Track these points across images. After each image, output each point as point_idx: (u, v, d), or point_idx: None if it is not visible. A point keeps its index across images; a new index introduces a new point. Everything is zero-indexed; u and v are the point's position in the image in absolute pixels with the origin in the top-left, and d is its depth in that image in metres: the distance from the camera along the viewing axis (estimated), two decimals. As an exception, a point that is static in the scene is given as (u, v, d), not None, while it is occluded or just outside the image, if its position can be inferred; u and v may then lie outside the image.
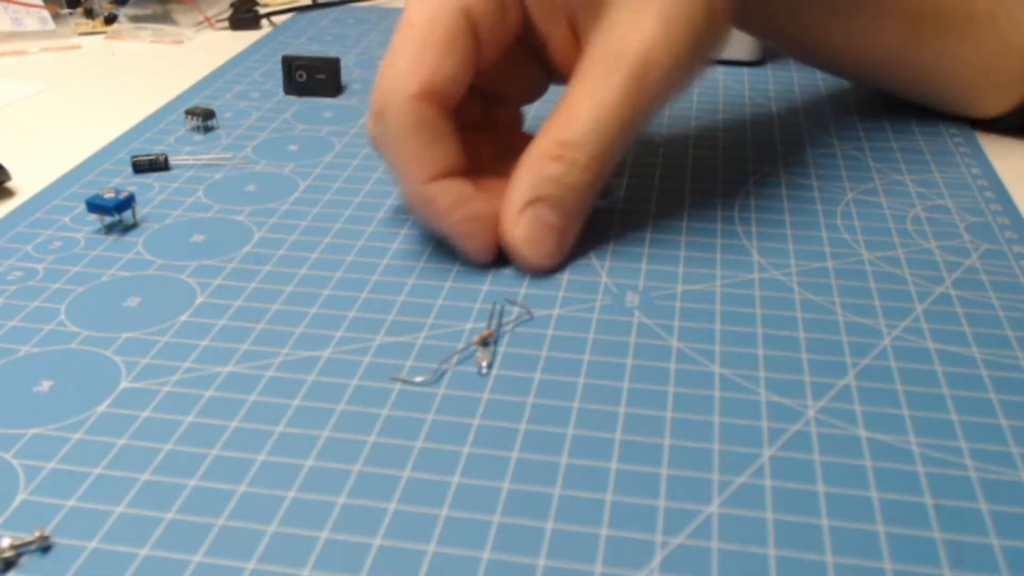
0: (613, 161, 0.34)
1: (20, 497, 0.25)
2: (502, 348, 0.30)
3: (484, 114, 0.39)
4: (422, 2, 0.34)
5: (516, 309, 0.32)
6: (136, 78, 0.56)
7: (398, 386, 0.29)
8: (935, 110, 0.48)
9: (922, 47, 0.44)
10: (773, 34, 0.47)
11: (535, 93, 0.40)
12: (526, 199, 0.33)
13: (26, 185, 0.42)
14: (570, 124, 0.33)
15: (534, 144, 0.34)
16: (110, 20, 0.64)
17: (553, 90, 0.40)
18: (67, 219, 0.39)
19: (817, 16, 0.44)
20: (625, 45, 0.33)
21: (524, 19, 0.35)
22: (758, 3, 0.43)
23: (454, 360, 0.30)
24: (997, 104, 0.45)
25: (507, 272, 0.34)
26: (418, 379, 0.29)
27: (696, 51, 0.34)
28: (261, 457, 0.26)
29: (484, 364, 0.29)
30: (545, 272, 0.34)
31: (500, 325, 0.31)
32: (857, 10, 0.43)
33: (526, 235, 0.34)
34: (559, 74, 0.37)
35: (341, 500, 0.25)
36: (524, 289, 0.33)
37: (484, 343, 0.30)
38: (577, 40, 0.35)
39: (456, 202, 0.33)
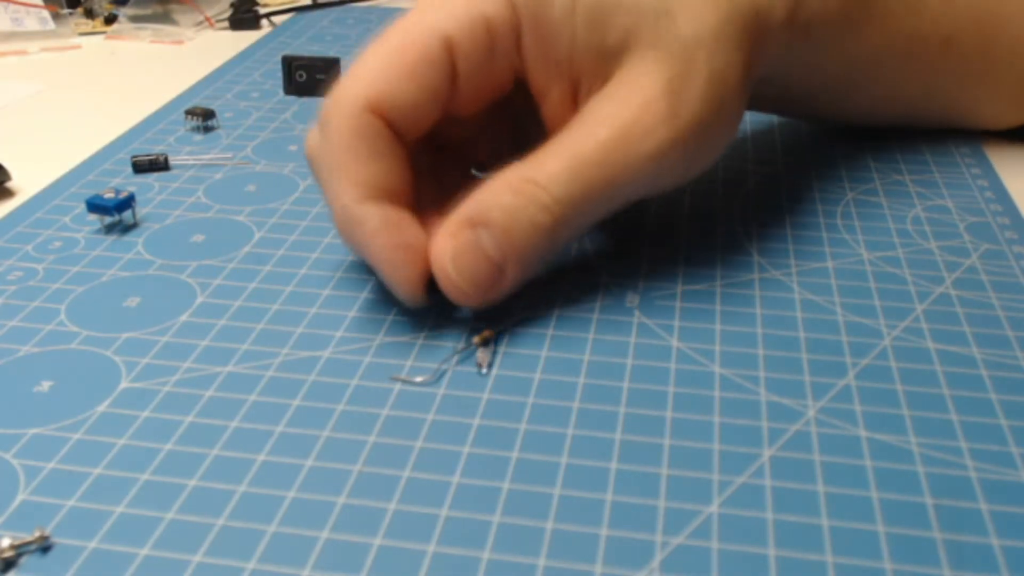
0: (577, 218, 0.31)
1: (20, 497, 0.25)
2: (502, 348, 0.30)
3: (434, 161, 0.35)
4: (405, 23, 0.32)
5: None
6: (136, 78, 0.56)
7: (398, 386, 0.29)
8: (969, 128, 0.47)
9: (940, 97, 0.43)
10: (788, 113, 0.46)
11: (498, 159, 0.38)
12: (468, 216, 0.30)
13: (26, 185, 0.42)
14: (541, 165, 0.31)
15: (496, 176, 0.31)
16: (110, 20, 0.64)
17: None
18: (67, 219, 0.39)
19: (834, 96, 0.42)
20: (621, 108, 0.31)
21: (519, 74, 0.33)
22: (773, 90, 0.40)
23: (454, 360, 0.30)
24: (1013, 119, 0.45)
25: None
26: (418, 379, 0.29)
27: (698, 138, 0.32)
28: (261, 457, 0.26)
29: (484, 364, 0.29)
30: (469, 305, 0.31)
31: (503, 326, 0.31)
32: (874, 83, 0.42)
33: (457, 253, 0.30)
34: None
35: (341, 500, 0.25)
36: (523, 289, 0.33)
37: (484, 343, 0.30)
38: (574, 103, 0.33)
39: (384, 225, 0.30)
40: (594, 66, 0.32)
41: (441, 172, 0.35)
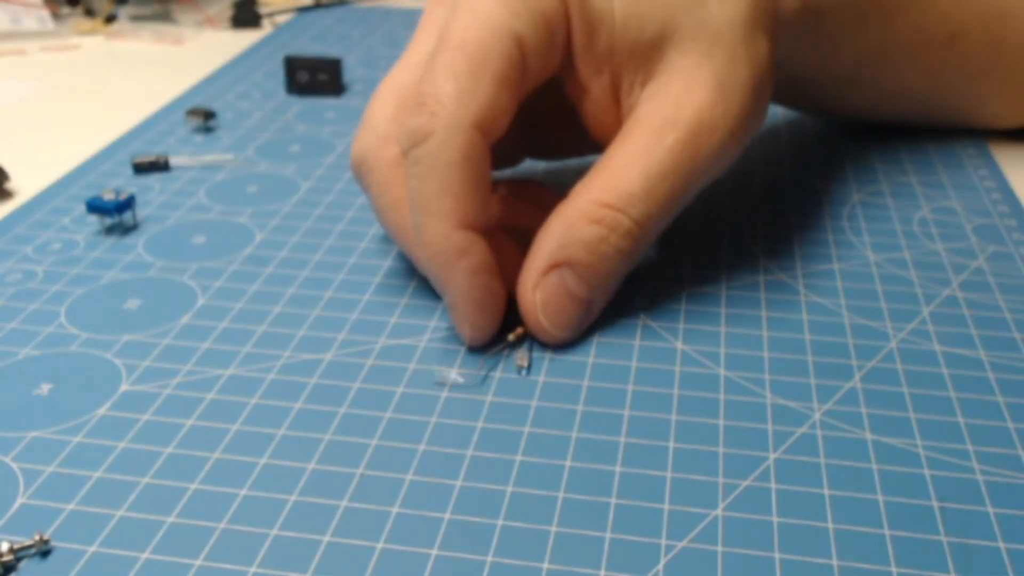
0: (656, 231, 0.31)
1: (19, 501, 0.25)
2: (504, 353, 0.30)
3: None
4: (468, 23, 0.30)
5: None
6: (136, 78, 0.56)
7: (400, 389, 0.29)
8: (978, 127, 0.46)
9: (946, 93, 0.43)
10: (795, 104, 0.45)
11: (514, 160, 0.38)
12: (552, 260, 0.30)
13: (25, 186, 0.42)
14: (615, 186, 0.30)
15: (568, 203, 0.30)
16: (110, 20, 0.64)
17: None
18: (67, 220, 0.38)
19: (841, 88, 0.42)
20: (679, 109, 0.30)
21: (565, 66, 0.32)
22: (782, 77, 0.39)
23: (498, 362, 0.29)
24: (1020, 118, 0.45)
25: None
26: (460, 380, 0.29)
27: (749, 126, 0.32)
28: (263, 461, 0.26)
29: (524, 364, 0.29)
30: (561, 344, 0.31)
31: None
32: (881, 76, 0.42)
33: (546, 301, 0.30)
34: (591, 132, 0.34)
35: (344, 504, 0.24)
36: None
37: (519, 341, 0.30)
38: (615, 99, 0.32)
39: (484, 265, 0.29)
40: (634, 59, 0.31)
41: None
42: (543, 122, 0.35)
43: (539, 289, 0.30)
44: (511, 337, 0.30)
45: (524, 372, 0.29)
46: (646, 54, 0.31)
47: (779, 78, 0.38)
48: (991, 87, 0.43)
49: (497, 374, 0.29)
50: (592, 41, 0.31)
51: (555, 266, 0.30)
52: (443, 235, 0.29)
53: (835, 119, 0.47)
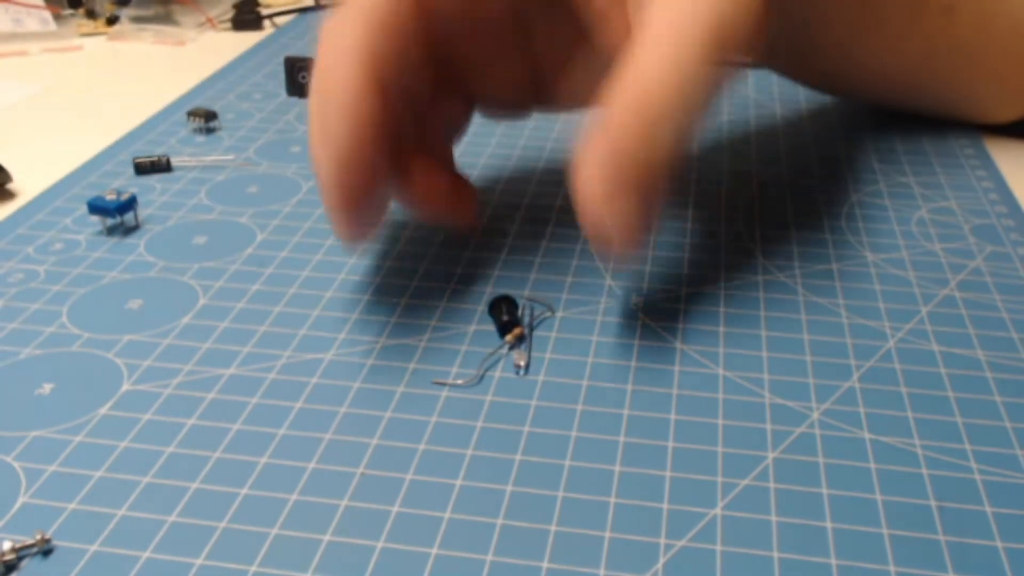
0: (694, 126, 0.28)
1: (21, 500, 0.25)
2: (504, 351, 0.30)
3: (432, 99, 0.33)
4: None
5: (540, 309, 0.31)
6: (138, 79, 0.56)
7: (400, 388, 0.29)
8: (948, 120, 0.47)
9: (938, 72, 0.44)
10: (793, 70, 0.46)
11: (509, 98, 0.36)
12: (613, 184, 0.27)
13: (27, 187, 0.42)
14: (650, 82, 0.27)
15: (605, 112, 0.28)
16: (112, 21, 0.64)
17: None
18: (68, 221, 0.38)
19: (837, 51, 0.43)
20: (698, 2, 0.28)
21: None
22: (780, 40, 0.40)
23: (489, 362, 0.30)
24: (1014, 110, 0.45)
25: (510, 275, 0.34)
26: (459, 381, 0.29)
27: (758, 31, 0.29)
28: (264, 460, 0.26)
29: (522, 363, 0.29)
30: (626, 253, 0.29)
31: (532, 322, 0.31)
32: (875, 46, 0.42)
33: (620, 226, 0.27)
34: (560, 106, 0.32)
35: (344, 503, 0.25)
36: (527, 292, 0.33)
37: (518, 341, 0.30)
38: (625, 16, 0.30)
39: (376, 128, 0.28)
40: None
41: (436, 116, 0.34)
42: (551, 70, 0.34)
43: (610, 217, 0.27)
44: (508, 338, 0.30)
45: (522, 372, 0.29)
46: None
47: (777, 43, 0.38)
48: (982, 72, 0.44)
49: (496, 373, 0.29)
50: None
51: (617, 189, 0.27)
52: (337, 67, 0.28)
53: (831, 95, 0.48)
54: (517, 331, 0.30)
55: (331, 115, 0.28)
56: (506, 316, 0.31)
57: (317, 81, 0.29)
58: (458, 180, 0.35)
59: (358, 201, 0.29)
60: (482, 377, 0.29)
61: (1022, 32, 0.43)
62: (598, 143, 0.27)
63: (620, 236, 0.28)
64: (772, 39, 0.34)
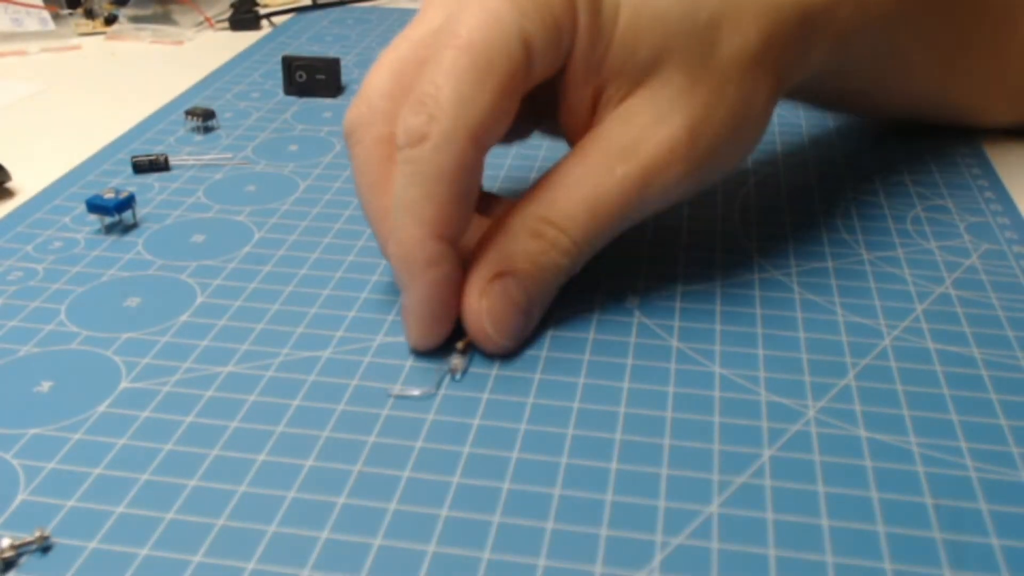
0: (595, 250, 0.31)
1: (20, 497, 0.25)
2: (454, 360, 0.30)
3: None
4: (477, 19, 0.28)
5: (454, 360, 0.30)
6: (136, 78, 0.56)
7: (398, 386, 0.29)
8: (984, 126, 0.46)
9: (952, 98, 0.43)
10: (810, 105, 0.45)
11: (523, 134, 0.37)
12: (497, 269, 0.30)
13: (26, 185, 0.42)
14: (558, 204, 0.30)
15: (511, 215, 0.30)
16: (110, 21, 0.64)
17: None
18: (67, 219, 0.39)
19: (852, 95, 0.42)
20: (640, 141, 0.30)
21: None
22: (805, 95, 0.40)
23: (447, 376, 0.29)
24: (1013, 115, 0.45)
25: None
26: (416, 392, 0.29)
27: (714, 164, 0.32)
28: (261, 457, 0.26)
29: (459, 370, 0.29)
30: (501, 354, 0.30)
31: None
32: (893, 87, 0.41)
33: (491, 309, 0.30)
34: (561, 133, 0.33)
35: (341, 500, 0.25)
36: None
37: (464, 350, 0.30)
38: (594, 106, 0.31)
39: (449, 279, 0.29)
40: (621, 77, 0.31)
41: None
42: (553, 99, 0.35)
43: (485, 296, 0.30)
44: (459, 345, 0.30)
45: (458, 377, 0.29)
46: (633, 75, 0.30)
47: (801, 94, 0.38)
48: (997, 87, 0.43)
49: (494, 371, 0.29)
50: (591, 49, 0.30)
51: (499, 275, 0.30)
52: (418, 240, 0.28)
53: (829, 110, 0.48)
54: (469, 340, 0.30)
55: (410, 286, 0.29)
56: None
57: (393, 248, 0.29)
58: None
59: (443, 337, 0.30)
60: (440, 386, 0.29)
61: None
62: (498, 239, 0.30)
63: (490, 329, 0.30)
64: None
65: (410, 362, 0.30)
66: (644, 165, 0.30)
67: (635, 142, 0.30)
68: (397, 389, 0.29)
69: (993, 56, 0.42)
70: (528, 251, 0.30)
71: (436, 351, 0.30)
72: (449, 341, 0.30)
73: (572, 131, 0.32)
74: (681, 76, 0.30)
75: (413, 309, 0.30)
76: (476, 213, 0.31)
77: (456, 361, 0.29)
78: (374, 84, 0.32)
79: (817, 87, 0.40)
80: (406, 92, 0.30)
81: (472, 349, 0.30)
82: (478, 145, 0.28)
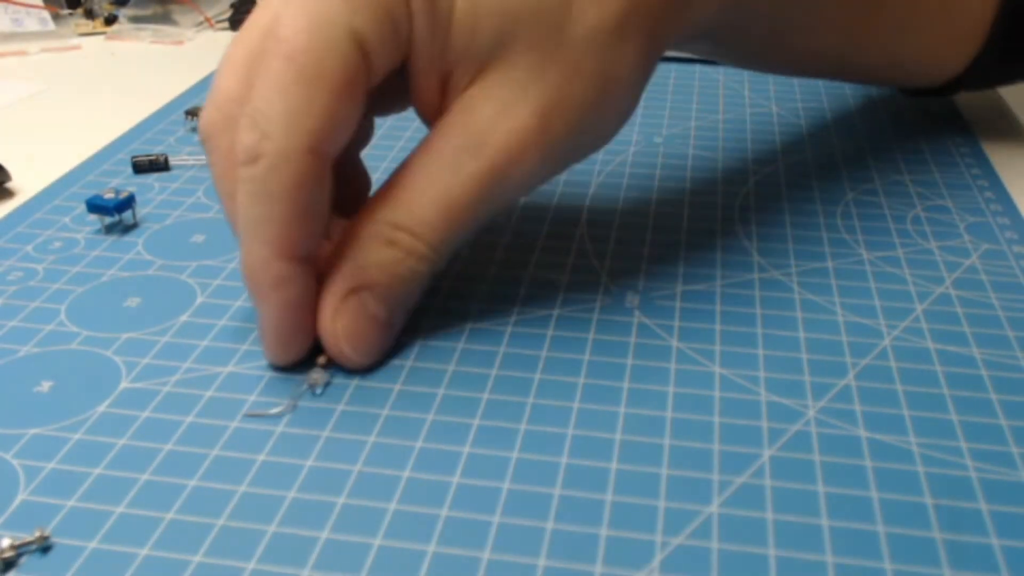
0: (454, 250, 0.30)
1: (20, 497, 0.25)
2: (502, 348, 0.30)
3: None
4: (301, 21, 0.26)
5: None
6: (136, 79, 0.56)
7: (398, 386, 0.29)
8: (892, 86, 0.45)
9: (865, 52, 0.42)
10: (707, 56, 0.43)
11: (401, 107, 0.35)
12: (351, 284, 0.28)
13: (26, 185, 0.42)
14: (409, 208, 0.28)
15: (361, 222, 0.29)
16: (110, 21, 0.64)
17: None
18: (67, 219, 0.39)
19: (762, 47, 0.40)
20: (487, 134, 0.28)
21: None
22: (703, 46, 0.38)
23: (301, 390, 0.28)
24: (953, 64, 0.43)
25: (508, 274, 0.34)
26: (273, 411, 0.28)
27: (578, 139, 0.30)
28: (261, 457, 0.26)
29: (320, 384, 0.29)
30: (361, 370, 0.29)
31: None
32: (797, 43, 0.40)
33: (347, 328, 0.28)
34: (418, 114, 0.31)
35: (341, 500, 0.25)
36: (523, 290, 0.33)
37: (325, 366, 0.29)
38: (443, 94, 0.30)
39: (301, 301, 0.28)
40: (466, 62, 0.29)
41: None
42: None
43: (339, 316, 0.28)
44: (321, 360, 0.29)
45: (318, 391, 0.28)
46: (477, 60, 0.29)
47: (699, 46, 0.38)
48: (909, 42, 0.42)
49: (493, 371, 0.29)
50: (431, 37, 0.28)
51: (354, 290, 0.28)
52: (263, 262, 0.27)
53: (761, 70, 0.48)
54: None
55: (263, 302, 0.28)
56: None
57: (245, 271, 0.28)
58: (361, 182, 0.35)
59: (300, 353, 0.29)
60: (295, 407, 0.28)
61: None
62: (348, 252, 0.29)
63: (347, 350, 0.29)
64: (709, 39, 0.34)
65: (410, 361, 0.30)
66: (494, 160, 0.28)
67: (482, 135, 0.28)
68: (248, 410, 0.28)
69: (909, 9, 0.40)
70: (383, 262, 0.28)
71: (439, 346, 0.30)
72: (453, 337, 0.30)
73: (427, 118, 0.31)
74: (529, 57, 0.28)
75: (264, 333, 0.29)
76: (343, 216, 0.30)
77: (315, 376, 0.29)
78: (221, 87, 0.29)
79: (722, 45, 0.38)
80: None
81: (334, 364, 0.29)
82: (318, 157, 0.27)
